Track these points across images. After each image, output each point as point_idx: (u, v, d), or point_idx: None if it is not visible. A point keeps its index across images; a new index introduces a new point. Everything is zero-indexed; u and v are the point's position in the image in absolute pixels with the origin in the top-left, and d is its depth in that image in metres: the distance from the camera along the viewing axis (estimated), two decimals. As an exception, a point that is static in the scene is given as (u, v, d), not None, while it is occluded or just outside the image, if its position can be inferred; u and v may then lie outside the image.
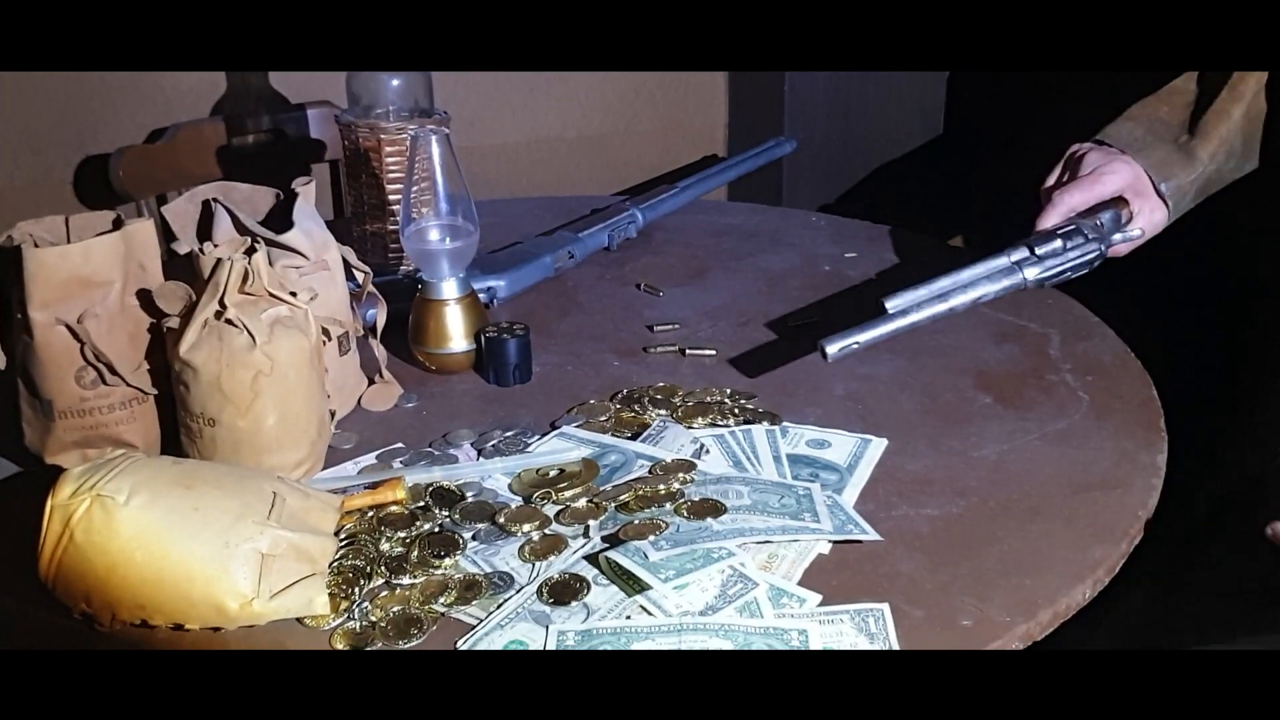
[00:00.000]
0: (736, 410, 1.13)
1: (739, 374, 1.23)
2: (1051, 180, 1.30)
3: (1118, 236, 1.18)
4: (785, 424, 1.10)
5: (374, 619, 0.85)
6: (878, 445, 1.07)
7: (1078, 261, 1.16)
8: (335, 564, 0.89)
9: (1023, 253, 1.13)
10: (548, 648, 0.81)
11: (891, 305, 1.06)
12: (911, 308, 1.05)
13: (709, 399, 1.15)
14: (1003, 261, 1.12)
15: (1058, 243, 1.14)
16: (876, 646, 0.81)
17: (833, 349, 1.02)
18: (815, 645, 0.81)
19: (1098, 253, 1.17)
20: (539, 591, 0.86)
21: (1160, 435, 1.09)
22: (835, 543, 0.92)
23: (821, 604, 0.85)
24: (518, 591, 0.87)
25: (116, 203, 1.94)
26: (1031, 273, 1.12)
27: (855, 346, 1.03)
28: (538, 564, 0.90)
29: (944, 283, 1.08)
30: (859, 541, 0.92)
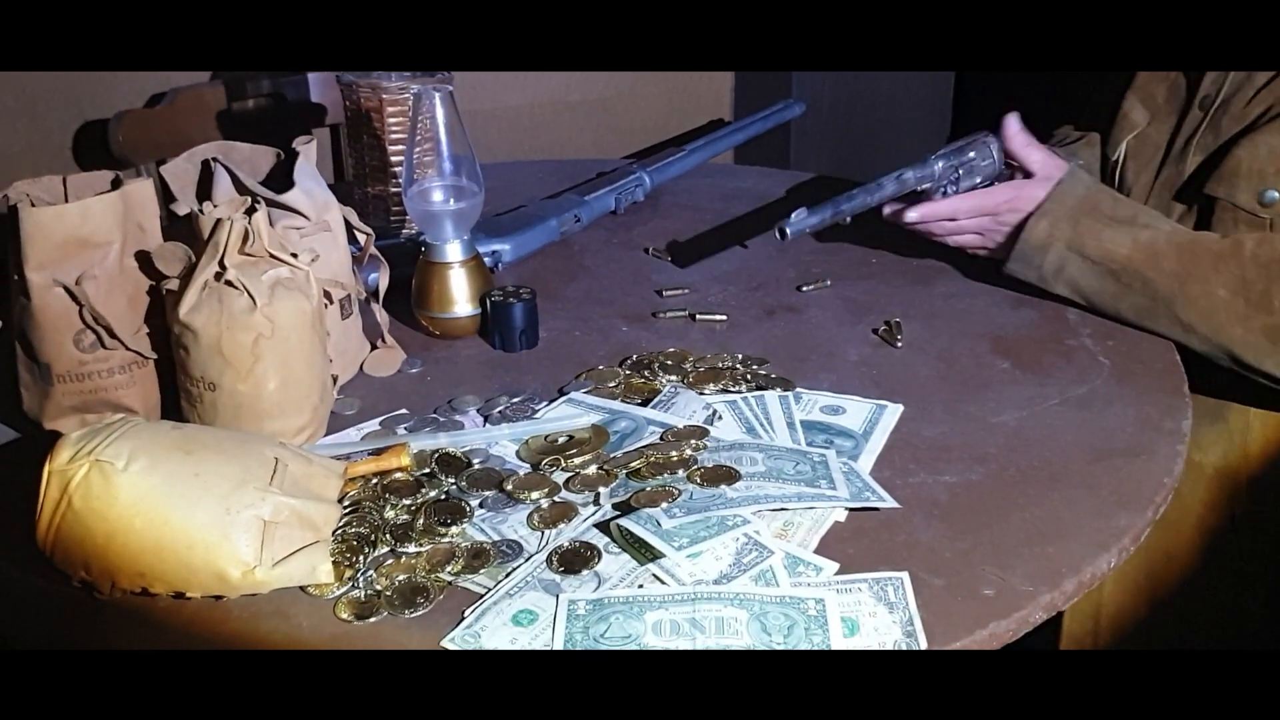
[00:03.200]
0: (748, 376, 1.10)
1: (750, 339, 1.20)
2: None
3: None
4: (798, 390, 1.08)
5: (379, 588, 0.83)
6: (893, 411, 1.05)
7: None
8: (339, 531, 0.87)
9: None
10: (557, 617, 0.78)
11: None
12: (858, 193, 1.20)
13: (720, 365, 1.13)
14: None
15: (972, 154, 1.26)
16: (896, 616, 0.79)
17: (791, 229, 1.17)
18: (833, 614, 0.78)
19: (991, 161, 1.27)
20: (549, 560, 0.84)
21: (1184, 401, 1.06)
22: (852, 510, 0.90)
23: (839, 573, 0.83)
24: (527, 560, 0.84)
25: (117, 168, 1.91)
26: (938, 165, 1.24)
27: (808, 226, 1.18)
28: (547, 532, 0.88)
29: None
30: (876, 509, 0.90)
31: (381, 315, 1.15)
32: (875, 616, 0.79)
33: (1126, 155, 1.33)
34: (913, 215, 1.24)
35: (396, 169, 1.38)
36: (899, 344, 1.17)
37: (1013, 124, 1.24)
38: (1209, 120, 1.24)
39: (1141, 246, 1.15)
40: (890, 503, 0.91)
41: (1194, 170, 1.25)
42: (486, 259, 1.33)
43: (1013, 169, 1.25)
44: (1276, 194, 1.15)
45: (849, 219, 1.19)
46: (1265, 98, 1.19)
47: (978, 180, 1.25)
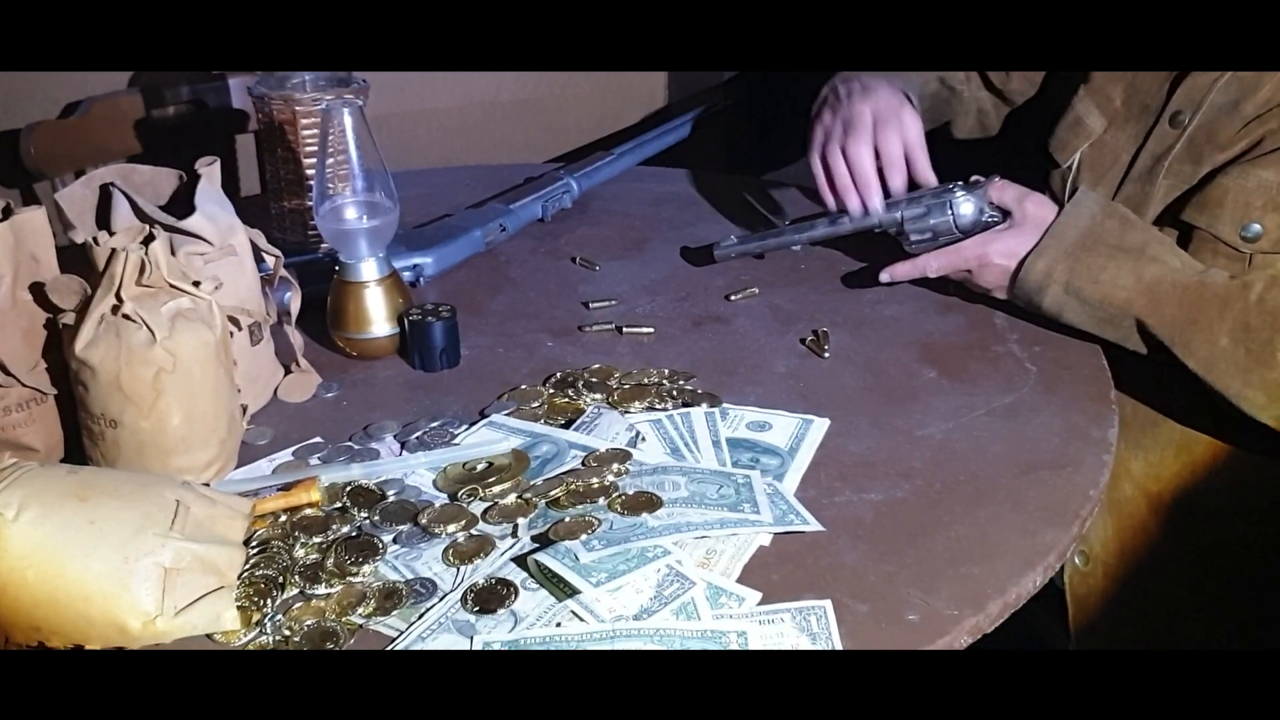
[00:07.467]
0: (675, 392, 1.08)
1: (678, 352, 1.18)
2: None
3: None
4: (725, 405, 1.06)
5: (288, 633, 0.80)
6: (820, 426, 1.03)
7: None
8: (245, 574, 0.84)
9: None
10: (472, 660, 0.76)
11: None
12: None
13: (646, 381, 1.10)
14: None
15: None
16: (819, 647, 0.77)
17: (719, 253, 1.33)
18: (755, 647, 0.77)
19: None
20: (463, 599, 0.81)
21: (1111, 408, 1.06)
22: (777, 533, 0.88)
23: (761, 602, 0.81)
24: (441, 599, 0.82)
25: (29, 181, 1.85)
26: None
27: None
28: (463, 568, 0.85)
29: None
30: (801, 531, 0.88)
31: (295, 337, 1.11)
32: (798, 648, 0.77)
33: (1081, 164, 1.28)
34: (884, 277, 1.24)
35: (312, 182, 1.34)
36: (826, 354, 1.16)
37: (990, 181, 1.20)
38: (1184, 142, 1.18)
39: (1144, 287, 1.10)
40: (815, 525, 0.89)
41: (1164, 194, 1.20)
42: (408, 273, 1.30)
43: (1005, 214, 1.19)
44: (1260, 228, 1.11)
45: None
46: (1255, 129, 1.13)
47: (928, 238, 1.21)
